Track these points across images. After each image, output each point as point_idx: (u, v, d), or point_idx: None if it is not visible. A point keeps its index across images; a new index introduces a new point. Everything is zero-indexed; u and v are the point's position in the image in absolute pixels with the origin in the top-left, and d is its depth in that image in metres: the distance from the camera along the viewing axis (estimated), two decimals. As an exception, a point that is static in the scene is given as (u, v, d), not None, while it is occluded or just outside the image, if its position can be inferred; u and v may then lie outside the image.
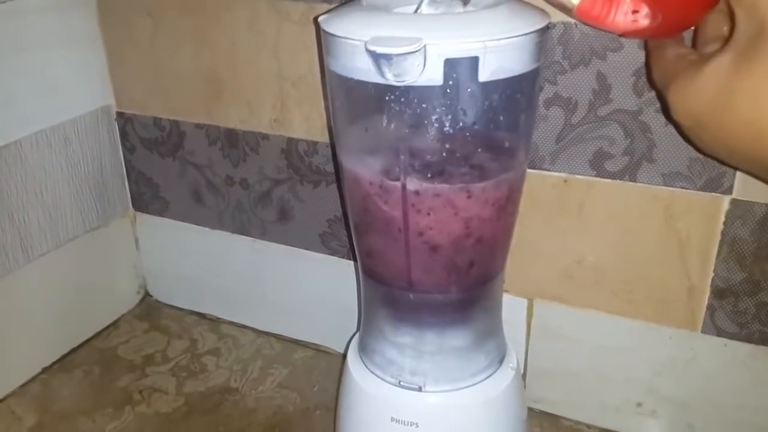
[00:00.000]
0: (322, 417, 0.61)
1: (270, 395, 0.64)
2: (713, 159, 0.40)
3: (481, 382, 0.47)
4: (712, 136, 0.34)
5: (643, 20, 0.37)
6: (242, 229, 0.68)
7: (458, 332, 0.46)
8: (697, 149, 0.40)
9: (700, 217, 0.49)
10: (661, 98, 0.38)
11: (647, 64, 0.44)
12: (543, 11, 0.40)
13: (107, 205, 0.72)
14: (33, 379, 0.67)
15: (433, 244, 0.42)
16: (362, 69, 0.37)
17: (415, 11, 0.42)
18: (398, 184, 0.40)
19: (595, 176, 0.51)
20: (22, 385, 0.66)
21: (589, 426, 0.59)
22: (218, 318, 0.75)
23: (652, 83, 0.43)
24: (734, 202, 0.48)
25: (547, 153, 0.52)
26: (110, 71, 0.68)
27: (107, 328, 0.74)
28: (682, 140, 0.47)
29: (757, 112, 0.31)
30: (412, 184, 0.40)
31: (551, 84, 0.49)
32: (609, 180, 0.51)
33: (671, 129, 0.47)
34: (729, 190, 0.48)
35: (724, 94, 0.33)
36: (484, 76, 0.37)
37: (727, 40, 0.34)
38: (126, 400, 0.64)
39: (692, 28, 0.41)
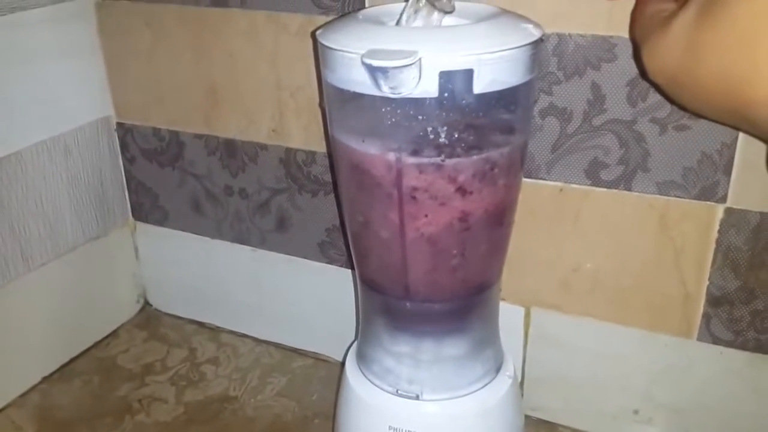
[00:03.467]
0: (321, 426, 0.62)
1: (269, 404, 0.65)
2: (700, 117, 0.39)
3: (478, 390, 0.47)
4: (688, 93, 0.34)
5: None
6: (241, 239, 0.69)
7: (455, 341, 0.46)
8: (682, 108, 0.40)
9: (694, 226, 0.50)
10: (638, 58, 0.38)
11: (630, 20, 0.43)
12: (537, 23, 0.40)
13: (107, 214, 0.72)
14: (33, 389, 0.67)
15: (428, 237, 0.42)
16: (358, 81, 0.38)
17: (396, 23, 0.42)
18: (393, 171, 0.40)
19: (591, 185, 0.51)
20: (22, 395, 0.66)
21: (586, 434, 0.60)
22: (218, 327, 0.75)
23: (632, 40, 0.43)
24: (728, 211, 0.48)
25: (542, 162, 0.52)
26: (110, 82, 0.69)
27: (107, 337, 0.74)
28: (676, 149, 0.48)
29: (724, 65, 0.30)
30: (408, 176, 0.40)
31: (546, 94, 0.50)
32: (604, 189, 0.51)
33: (665, 138, 0.48)
34: (723, 199, 0.48)
35: (691, 49, 0.32)
36: (478, 88, 0.37)
37: None
38: (125, 409, 0.64)
39: None
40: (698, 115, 0.36)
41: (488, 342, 0.48)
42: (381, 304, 0.47)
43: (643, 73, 0.43)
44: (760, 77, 0.29)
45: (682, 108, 0.38)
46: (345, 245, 0.63)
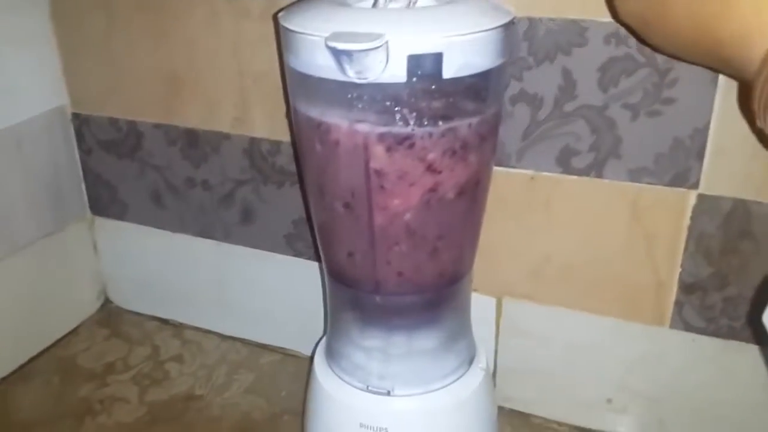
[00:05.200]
0: (290, 423, 0.60)
1: (236, 402, 0.63)
2: (674, 58, 0.40)
3: (451, 384, 0.46)
4: (660, 33, 0.34)
5: None
6: (205, 232, 0.67)
7: (427, 334, 0.45)
8: (656, 49, 0.40)
9: (666, 213, 0.49)
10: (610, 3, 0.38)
11: None
12: (507, 6, 0.39)
13: (63, 209, 0.69)
14: (-11, 390, 0.65)
15: (397, 221, 0.40)
16: (323, 66, 0.36)
17: (373, 5, 0.41)
18: (360, 152, 0.38)
19: (562, 173, 0.51)
20: (-21, 397, 0.64)
21: (560, 423, 0.59)
22: (181, 323, 0.73)
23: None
24: (701, 197, 0.48)
25: (513, 150, 0.51)
26: (64, 70, 0.66)
27: (66, 335, 0.72)
28: (648, 135, 0.47)
29: (693, 3, 0.30)
30: (375, 157, 0.38)
31: (517, 80, 0.49)
32: (575, 176, 0.50)
33: (637, 124, 0.47)
34: (695, 185, 0.47)
35: None
36: (449, 72, 0.36)
37: None
38: (86, 410, 0.62)
39: None
40: (673, 56, 0.36)
41: (460, 334, 0.47)
42: (350, 298, 0.46)
43: (614, 16, 0.42)
44: (729, 14, 0.29)
45: (656, 50, 0.38)
46: (312, 238, 0.61)
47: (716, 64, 0.32)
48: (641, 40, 0.36)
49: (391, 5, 0.40)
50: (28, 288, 0.67)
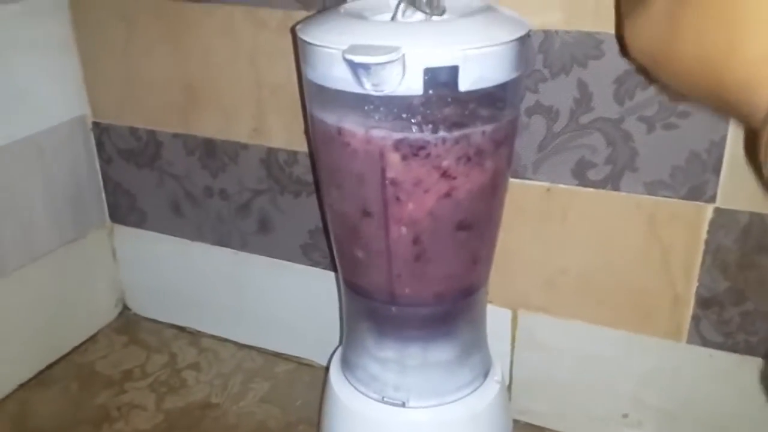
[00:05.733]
0: (305, 432, 0.60)
1: (251, 410, 0.63)
2: (684, 98, 0.39)
3: (466, 396, 0.46)
4: (668, 72, 0.33)
5: None
6: (222, 241, 0.67)
7: (443, 346, 0.45)
8: (664, 87, 0.39)
9: (683, 226, 0.49)
10: (620, 39, 0.37)
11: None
12: (522, 19, 0.39)
13: (84, 217, 0.70)
14: (9, 396, 0.65)
15: (413, 230, 0.41)
16: (340, 78, 0.37)
17: (392, 18, 0.41)
18: (377, 162, 0.39)
19: (578, 185, 0.50)
20: (-2, 402, 0.64)
21: (575, 437, 0.59)
22: (198, 331, 0.73)
23: (618, 18, 0.42)
24: (717, 211, 0.47)
25: (529, 162, 0.51)
26: (85, 80, 0.67)
27: (85, 342, 0.73)
28: (664, 148, 0.47)
29: (703, 44, 0.30)
30: (391, 166, 0.38)
31: (532, 92, 0.49)
32: (592, 189, 0.50)
33: (653, 137, 0.47)
34: (712, 199, 0.47)
35: (671, 27, 0.31)
36: (464, 85, 0.36)
37: None
38: (104, 417, 0.62)
39: None
40: (681, 96, 0.35)
41: (476, 347, 0.47)
42: (365, 309, 0.46)
43: (625, 51, 0.42)
44: (736, 59, 0.29)
45: (665, 87, 0.38)
46: (328, 248, 0.62)
47: (723, 108, 0.32)
48: (651, 77, 0.36)
49: (409, 18, 0.41)
50: (48, 295, 0.68)
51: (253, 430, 0.61)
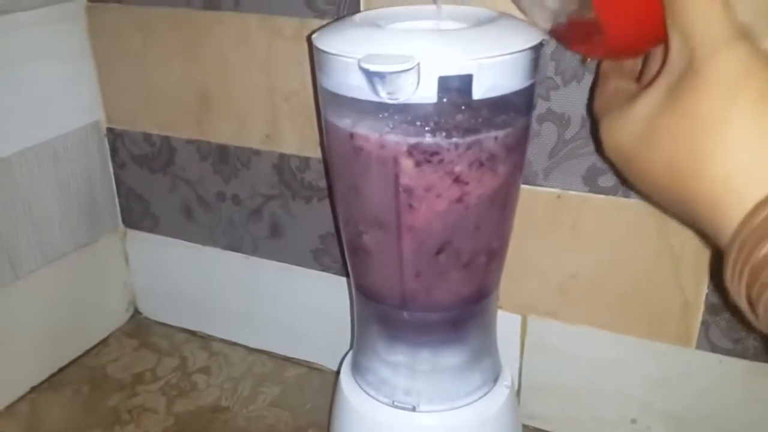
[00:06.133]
0: (315, 436, 0.61)
1: (261, 414, 0.64)
2: (644, 199, 0.38)
3: (476, 401, 0.46)
4: (639, 176, 0.33)
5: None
6: (233, 246, 0.68)
7: (453, 351, 0.46)
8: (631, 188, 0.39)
9: (693, 232, 0.49)
10: (595, 132, 0.37)
11: (591, 94, 0.43)
12: (536, 29, 0.40)
13: (97, 221, 0.71)
14: (21, 399, 0.66)
15: (425, 235, 0.41)
16: (355, 86, 0.37)
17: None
18: (390, 169, 0.39)
19: (588, 192, 0.51)
20: (10, 405, 0.65)
21: (584, 443, 0.59)
22: (209, 335, 0.74)
23: (591, 114, 0.43)
24: (728, 218, 0.48)
25: (540, 169, 0.52)
26: (100, 86, 0.68)
27: (97, 345, 0.73)
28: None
29: (675, 153, 0.29)
30: (405, 172, 0.39)
31: (544, 100, 0.49)
32: (602, 195, 0.51)
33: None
34: (722, 206, 0.47)
35: (648, 132, 0.31)
36: (478, 93, 0.37)
37: (660, 70, 0.32)
38: (115, 420, 0.63)
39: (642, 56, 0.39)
40: (644, 198, 0.35)
41: (486, 352, 0.47)
42: (377, 314, 0.46)
43: (598, 148, 0.43)
44: (704, 171, 0.28)
45: (632, 189, 0.37)
46: (340, 252, 0.62)
47: (690, 221, 0.31)
48: (621, 178, 0.36)
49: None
50: (61, 298, 0.69)
51: (263, 434, 0.61)
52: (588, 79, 0.48)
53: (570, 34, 0.40)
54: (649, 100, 0.31)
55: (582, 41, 0.40)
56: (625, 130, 0.33)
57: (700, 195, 0.29)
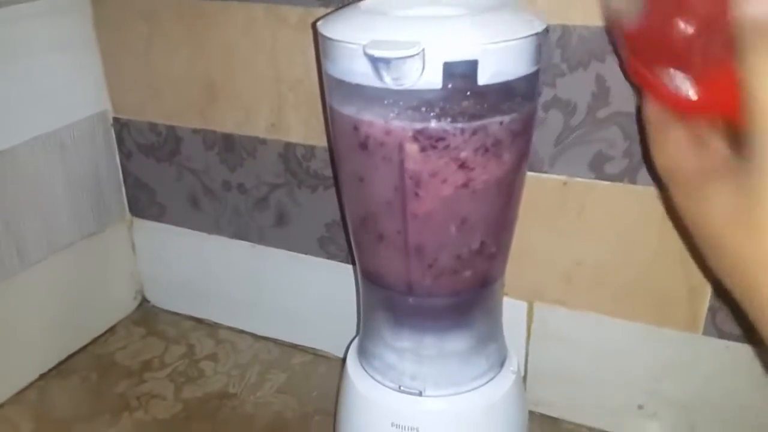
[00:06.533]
0: (322, 423, 0.61)
1: (268, 401, 0.64)
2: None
3: (482, 386, 0.47)
4: (725, 252, 0.30)
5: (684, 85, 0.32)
6: (240, 234, 0.68)
7: (459, 336, 0.46)
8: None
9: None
10: (664, 190, 0.34)
11: (646, 144, 0.39)
12: (542, 14, 0.40)
13: (104, 210, 0.71)
14: (29, 386, 0.66)
15: (430, 220, 0.41)
16: (360, 73, 0.37)
17: None
18: (395, 154, 0.39)
19: (595, 179, 0.51)
20: (19, 393, 0.65)
21: (590, 429, 0.59)
22: (216, 323, 0.74)
23: (652, 170, 0.41)
24: (734, 204, 0.48)
25: (546, 156, 0.52)
26: (106, 76, 0.68)
27: (104, 334, 0.74)
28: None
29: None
30: (410, 157, 0.39)
31: (550, 87, 0.49)
32: (609, 182, 0.51)
33: (670, 131, 0.47)
34: (729, 192, 0.47)
35: (753, 219, 0.28)
36: (483, 79, 0.37)
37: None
38: (123, 406, 0.63)
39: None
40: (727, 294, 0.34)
41: (492, 337, 0.48)
42: (382, 299, 0.46)
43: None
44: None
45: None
46: (346, 240, 0.62)
47: (732, 285, 0.31)
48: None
49: None
50: (68, 287, 0.69)
51: (269, 420, 0.62)
52: (594, 66, 0.48)
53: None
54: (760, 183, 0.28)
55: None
56: (719, 209, 0.30)
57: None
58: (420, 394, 0.46)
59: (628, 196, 0.50)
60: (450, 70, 0.36)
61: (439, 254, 0.42)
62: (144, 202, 0.72)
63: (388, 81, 0.36)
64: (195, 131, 0.65)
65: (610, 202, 0.51)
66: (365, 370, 0.48)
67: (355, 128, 0.40)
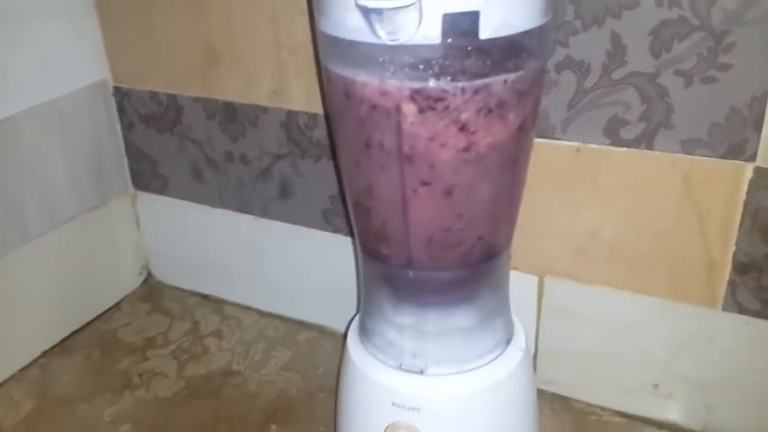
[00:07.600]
0: (326, 400, 0.59)
1: (273, 378, 0.62)
2: None
3: (487, 364, 0.44)
4: None
5: None
6: (243, 207, 0.66)
7: (462, 312, 0.44)
8: None
9: (721, 187, 0.46)
10: None
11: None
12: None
13: (106, 183, 0.70)
14: (32, 364, 0.65)
15: (429, 187, 0.39)
16: (354, 27, 0.35)
17: None
18: (393, 117, 0.37)
19: (610, 144, 0.48)
20: (21, 369, 0.64)
21: (603, 408, 0.57)
22: (221, 299, 0.73)
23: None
24: (758, 171, 0.45)
25: (558, 121, 0.49)
26: (105, 44, 0.66)
27: (109, 310, 0.73)
28: (702, 104, 0.44)
29: None
30: (408, 118, 0.36)
31: (562, 46, 0.46)
32: (624, 148, 0.48)
33: (691, 92, 0.44)
34: (752, 157, 0.44)
35: None
36: (485, 32, 0.34)
37: None
38: (125, 384, 0.62)
39: None
40: None
41: (498, 312, 0.45)
42: (382, 273, 0.44)
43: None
44: None
45: None
46: (344, 211, 0.60)
47: None
48: None
49: None
50: (71, 262, 0.68)
51: (274, 398, 0.60)
52: (610, 23, 0.45)
53: None
54: None
55: None
56: None
57: None
58: (421, 372, 0.44)
59: (644, 164, 0.48)
60: (449, 22, 0.33)
61: (440, 224, 0.40)
62: (147, 175, 0.70)
63: (383, 35, 0.34)
64: (196, 100, 0.63)
65: (626, 170, 0.48)
66: (365, 348, 0.46)
67: (350, 89, 0.37)
